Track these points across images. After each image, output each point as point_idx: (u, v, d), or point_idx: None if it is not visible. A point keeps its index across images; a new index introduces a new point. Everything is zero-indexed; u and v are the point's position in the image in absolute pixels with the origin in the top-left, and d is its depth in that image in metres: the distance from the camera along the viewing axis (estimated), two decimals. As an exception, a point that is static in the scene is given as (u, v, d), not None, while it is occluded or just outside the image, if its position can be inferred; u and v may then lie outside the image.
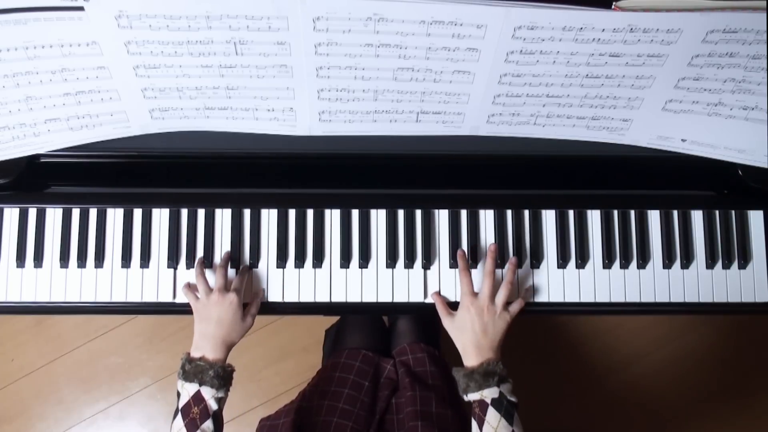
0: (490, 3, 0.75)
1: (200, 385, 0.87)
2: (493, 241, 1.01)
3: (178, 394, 0.89)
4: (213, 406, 0.87)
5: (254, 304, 0.98)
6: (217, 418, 0.88)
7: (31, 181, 0.98)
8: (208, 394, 0.87)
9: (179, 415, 0.87)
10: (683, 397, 1.84)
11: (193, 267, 1.00)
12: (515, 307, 0.95)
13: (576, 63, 0.82)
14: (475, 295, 0.94)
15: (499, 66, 0.83)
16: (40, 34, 0.77)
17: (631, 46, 0.80)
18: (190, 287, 0.99)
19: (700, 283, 1.01)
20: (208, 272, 0.99)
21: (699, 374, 1.85)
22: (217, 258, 1.01)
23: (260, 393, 1.82)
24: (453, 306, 0.99)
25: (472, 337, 0.91)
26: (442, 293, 1.00)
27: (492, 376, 0.87)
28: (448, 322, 0.95)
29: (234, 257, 1.01)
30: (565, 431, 1.80)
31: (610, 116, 0.92)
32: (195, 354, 0.91)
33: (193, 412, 0.86)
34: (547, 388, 1.79)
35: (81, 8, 0.75)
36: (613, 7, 0.74)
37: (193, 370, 0.88)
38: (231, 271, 1.01)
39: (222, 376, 0.89)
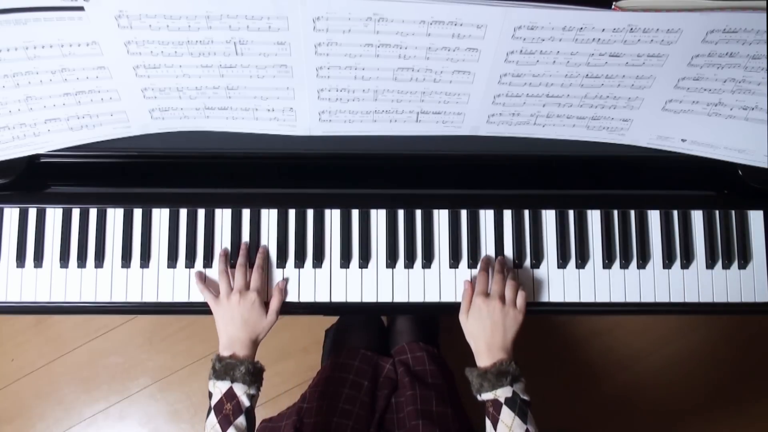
0: (490, 3, 0.74)
1: (232, 381, 0.88)
2: (493, 240, 1.02)
3: (210, 394, 0.90)
4: (245, 402, 0.88)
5: (275, 299, 0.98)
6: (250, 415, 0.88)
7: (31, 181, 0.98)
8: (240, 390, 0.88)
9: (212, 413, 0.87)
10: (684, 397, 1.83)
11: (192, 267, 1.00)
12: (521, 301, 0.93)
13: (576, 63, 0.82)
14: (487, 295, 0.94)
15: (499, 66, 0.83)
16: (40, 34, 0.77)
17: (631, 46, 0.80)
18: (205, 284, 0.98)
19: (700, 283, 1.01)
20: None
21: (699, 374, 1.84)
22: (216, 259, 1.01)
23: (260, 393, 1.81)
24: (453, 308, 0.99)
25: (483, 336, 0.92)
26: (441, 294, 1.00)
27: (505, 376, 0.87)
28: (463, 320, 0.96)
29: (233, 257, 1.01)
30: None
31: (610, 116, 0.92)
32: (224, 353, 0.92)
33: (226, 408, 0.86)
34: (546, 388, 1.78)
35: (81, 8, 0.75)
36: (613, 7, 0.74)
37: (223, 368, 0.89)
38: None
39: (252, 372, 0.90)
